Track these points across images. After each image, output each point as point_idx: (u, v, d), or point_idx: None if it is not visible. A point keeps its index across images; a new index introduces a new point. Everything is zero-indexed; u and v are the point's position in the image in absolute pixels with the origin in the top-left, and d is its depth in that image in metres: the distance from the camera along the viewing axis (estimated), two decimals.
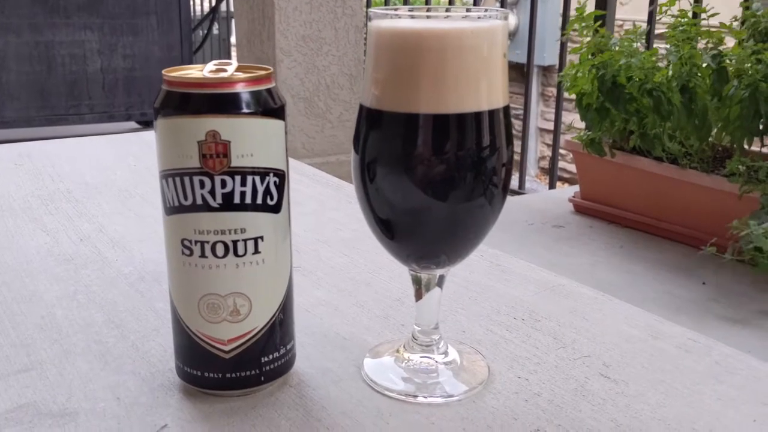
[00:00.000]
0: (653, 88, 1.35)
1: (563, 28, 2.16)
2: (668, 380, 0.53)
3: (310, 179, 1.06)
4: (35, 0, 2.85)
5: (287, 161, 0.50)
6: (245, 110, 0.46)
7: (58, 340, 0.58)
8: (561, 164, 3.97)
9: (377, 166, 0.49)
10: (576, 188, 1.78)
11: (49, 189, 0.99)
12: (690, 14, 1.48)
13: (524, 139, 2.28)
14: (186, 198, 0.47)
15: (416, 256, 0.51)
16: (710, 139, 1.44)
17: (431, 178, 0.47)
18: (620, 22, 1.64)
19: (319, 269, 0.73)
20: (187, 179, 0.46)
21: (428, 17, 0.48)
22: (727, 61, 1.33)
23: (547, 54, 6.21)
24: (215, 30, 4.49)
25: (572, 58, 1.73)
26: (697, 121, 1.38)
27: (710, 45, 1.38)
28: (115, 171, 1.08)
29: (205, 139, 0.45)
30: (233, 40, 4.67)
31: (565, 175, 4.98)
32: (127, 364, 0.55)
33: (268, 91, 0.48)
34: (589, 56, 1.47)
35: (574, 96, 1.58)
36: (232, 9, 4.55)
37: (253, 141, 0.47)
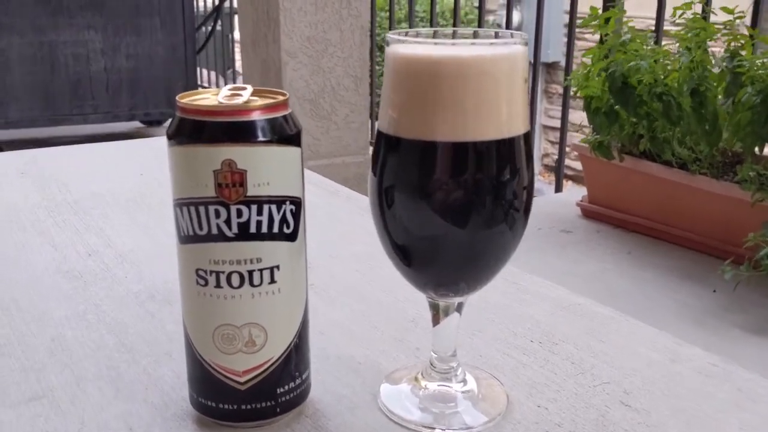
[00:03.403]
0: (663, 92, 1.34)
1: (570, 25, 2.16)
2: (690, 408, 0.52)
3: (319, 188, 1.05)
4: (38, 1, 2.83)
5: (303, 187, 0.49)
6: (262, 138, 0.45)
7: (68, 365, 0.57)
8: (565, 161, 3.95)
9: (395, 192, 0.48)
10: (583, 191, 1.77)
11: (56, 200, 0.98)
12: (701, 10, 1.47)
13: None
14: (201, 228, 0.46)
15: (434, 284, 0.50)
16: (720, 144, 1.43)
17: (450, 207, 0.46)
18: (629, 20, 1.62)
19: (332, 287, 0.72)
20: (202, 208, 0.45)
21: (446, 44, 0.47)
22: (742, 66, 1.32)
23: (551, 51, 6.19)
24: (218, 26, 4.47)
25: (579, 56, 1.72)
26: (707, 126, 1.37)
27: (732, 47, 1.37)
28: (123, 181, 1.07)
29: (220, 168, 0.45)
30: (237, 35, 4.65)
31: (569, 173, 4.96)
32: (139, 391, 0.54)
33: (285, 117, 0.47)
34: (602, 58, 1.45)
35: (579, 93, 1.57)
36: (235, 4, 4.53)
37: (270, 169, 0.46)
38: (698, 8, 1.51)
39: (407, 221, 0.48)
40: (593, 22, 1.49)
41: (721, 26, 1.44)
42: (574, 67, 1.92)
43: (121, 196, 0.99)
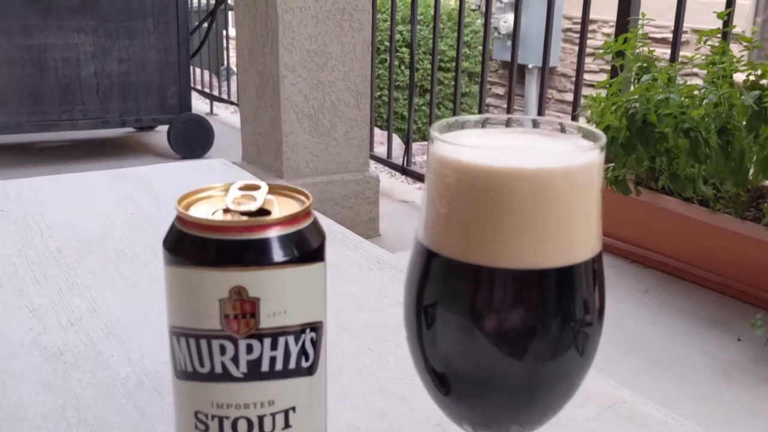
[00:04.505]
0: (690, 128, 1.27)
1: (582, 32, 2.08)
2: None
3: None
4: (27, 1, 2.73)
5: (325, 305, 0.41)
6: (280, 259, 0.37)
7: None
8: None
9: (437, 316, 0.40)
10: None
11: (38, 246, 0.90)
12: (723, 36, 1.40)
13: None
14: (202, 365, 0.38)
15: (475, 422, 0.42)
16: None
17: (505, 340, 0.38)
18: (647, 43, 1.56)
19: (344, 374, 0.64)
20: (204, 342, 0.37)
21: (506, 149, 0.39)
22: None
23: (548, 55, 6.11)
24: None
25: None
26: (733, 164, 1.29)
27: (752, 77, 1.30)
28: (110, 223, 0.98)
29: (228, 297, 0.36)
30: (231, 32, 4.55)
31: None
32: None
33: (308, 228, 0.39)
34: (617, 92, 1.38)
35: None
36: (230, 1, 4.43)
37: (288, 295, 0.37)
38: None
39: (451, 352, 0.40)
40: (608, 53, 1.41)
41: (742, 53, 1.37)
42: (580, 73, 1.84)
43: (108, 244, 0.91)
